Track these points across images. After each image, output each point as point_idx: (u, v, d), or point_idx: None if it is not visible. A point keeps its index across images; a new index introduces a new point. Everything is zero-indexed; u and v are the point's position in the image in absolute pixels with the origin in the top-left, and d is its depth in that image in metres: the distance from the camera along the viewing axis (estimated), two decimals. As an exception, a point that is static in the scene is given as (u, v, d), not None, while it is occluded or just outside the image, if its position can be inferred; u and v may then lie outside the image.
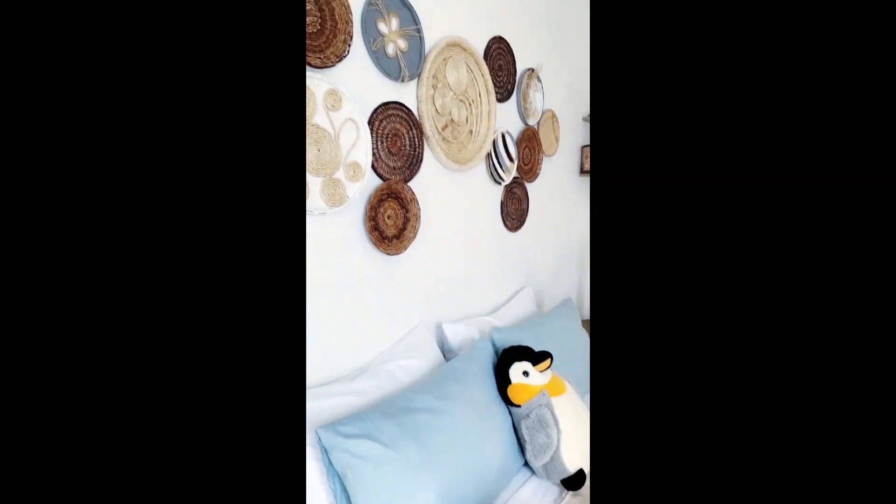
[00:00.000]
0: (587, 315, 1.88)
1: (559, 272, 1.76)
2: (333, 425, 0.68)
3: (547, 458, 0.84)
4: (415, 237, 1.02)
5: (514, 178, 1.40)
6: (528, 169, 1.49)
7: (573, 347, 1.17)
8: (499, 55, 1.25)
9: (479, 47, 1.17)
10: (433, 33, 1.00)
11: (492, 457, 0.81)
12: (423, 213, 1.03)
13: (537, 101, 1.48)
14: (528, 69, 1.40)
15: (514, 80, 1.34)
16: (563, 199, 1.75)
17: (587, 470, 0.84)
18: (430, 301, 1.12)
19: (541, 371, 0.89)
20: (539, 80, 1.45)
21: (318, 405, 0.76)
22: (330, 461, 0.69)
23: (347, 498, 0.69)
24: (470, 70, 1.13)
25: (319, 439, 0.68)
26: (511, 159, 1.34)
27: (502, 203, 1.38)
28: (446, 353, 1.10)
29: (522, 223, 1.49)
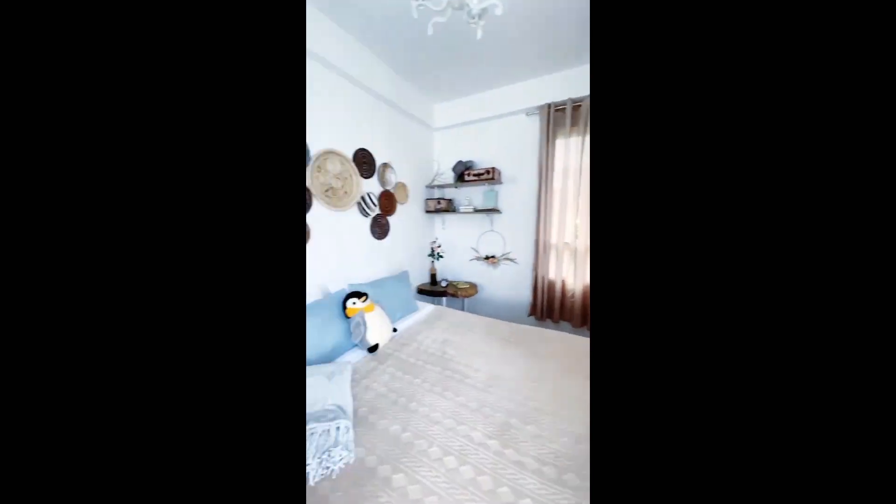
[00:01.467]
0: (421, 281, 3.23)
1: (411, 259, 3.06)
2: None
3: (359, 339, 1.75)
4: (310, 241, 1.97)
5: (378, 213, 2.55)
6: (388, 209, 2.67)
7: (390, 291, 2.24)
8: (363, 156, 2.39)
9: (349, 153, 2.28)
10: (314, 147, 2.03)
11: (333, 338, 1.69)
12: (315, 230, 2.00)
13: (391, 177, 2.69)
14: (384, 163, 2.62)
15: (375, 168, 2.51)
16: (414, 223, 3.08)
17: (380, 344, 1.77)
18: (320, 270, 2.06)
19: (362, 301, 1.83)
20: (392, 167, 2.69)
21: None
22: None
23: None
24: (343, 163, 2.21)
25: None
26: (374, 205, 2.49)
27: (371, 225, 2.50)
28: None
29: (386, 234, 2.65)
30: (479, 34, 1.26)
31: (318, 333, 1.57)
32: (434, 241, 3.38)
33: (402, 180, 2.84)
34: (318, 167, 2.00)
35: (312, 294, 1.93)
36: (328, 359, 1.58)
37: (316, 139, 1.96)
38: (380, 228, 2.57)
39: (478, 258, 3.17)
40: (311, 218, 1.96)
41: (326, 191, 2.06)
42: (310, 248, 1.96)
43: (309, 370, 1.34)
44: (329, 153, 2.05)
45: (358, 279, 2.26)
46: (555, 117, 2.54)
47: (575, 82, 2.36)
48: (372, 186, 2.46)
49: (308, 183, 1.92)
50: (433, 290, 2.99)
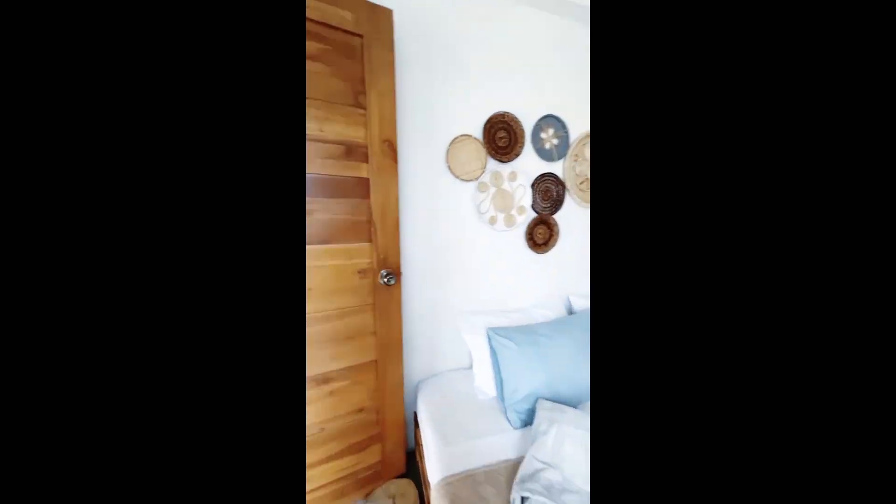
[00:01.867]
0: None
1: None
2: (495, 329, 1.35)
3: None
4: (555, 244, 1.68)
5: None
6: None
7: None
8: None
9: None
10: (575, 130, 1.66)
11: (586, 373, 1.28)
12: (562, 230, 1.69)
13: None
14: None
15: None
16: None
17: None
18: (562, 280, 1.75)
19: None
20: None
21: (493, 320, 1.45)
22: (492, 346, 1.33)
23: (499, 366, 1.30)
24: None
25: (489, 336, 1.35)
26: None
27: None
28: (570, 313, 1.69)
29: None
30: None
31: (569, 359, 1.21)
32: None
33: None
34: (576, 155, 1.63)
35: (555, 308, 1.62)
36: (579, 398, 1.21)
37: (574, 122, 1.59)
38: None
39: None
40: (559, 217, 1.64)
41: (581, 183, 1.68)
42: (553, 252, 1.67)
43: (570, 415, 1.02)
44: (588, 136, 1.64)
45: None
46: None
47: None
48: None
49: (561, 175, 1.60)
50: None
